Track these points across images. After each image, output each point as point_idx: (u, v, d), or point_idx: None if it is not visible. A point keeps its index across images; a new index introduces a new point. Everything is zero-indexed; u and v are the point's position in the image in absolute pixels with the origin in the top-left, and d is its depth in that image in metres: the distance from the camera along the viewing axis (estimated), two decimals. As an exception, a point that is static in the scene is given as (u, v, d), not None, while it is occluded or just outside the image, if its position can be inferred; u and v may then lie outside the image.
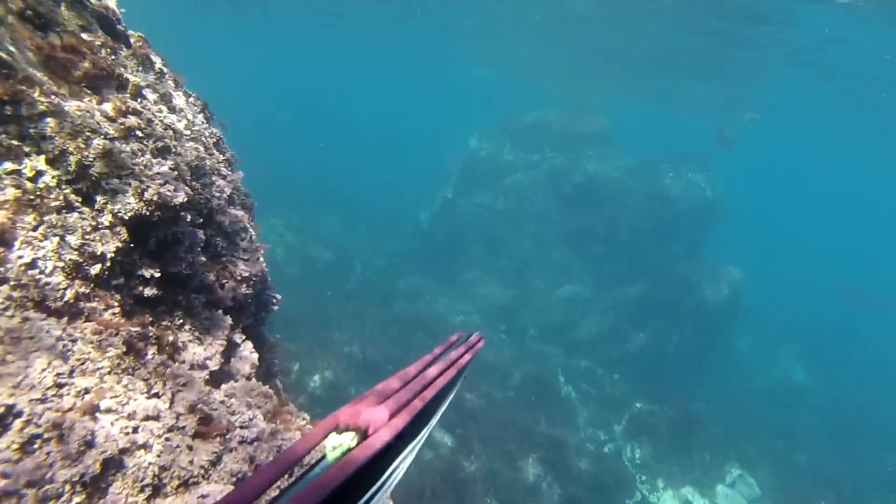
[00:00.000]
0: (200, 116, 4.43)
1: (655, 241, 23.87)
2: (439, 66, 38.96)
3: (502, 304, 23.56)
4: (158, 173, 2.96)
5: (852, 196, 69.99)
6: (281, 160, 43.11)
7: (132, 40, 3.70)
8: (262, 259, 4.30)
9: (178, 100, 3.93)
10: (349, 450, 1.94)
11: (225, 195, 4.09)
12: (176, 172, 3.12)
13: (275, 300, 4.54)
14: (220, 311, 3.53)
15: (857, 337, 34.05)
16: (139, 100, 3.32)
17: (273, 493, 1.86)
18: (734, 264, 24.24)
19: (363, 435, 2.02)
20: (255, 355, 3.61)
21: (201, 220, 3.47)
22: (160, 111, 3.49)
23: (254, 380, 3.39)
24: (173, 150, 3.25)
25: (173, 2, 34.52)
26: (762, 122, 26.32)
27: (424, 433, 2.49)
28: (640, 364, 20.39)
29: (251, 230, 4.34)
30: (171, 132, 3.39)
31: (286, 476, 2.04)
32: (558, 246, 24.88)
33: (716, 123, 30.71)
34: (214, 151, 4.27)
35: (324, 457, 1.97)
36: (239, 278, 3.84)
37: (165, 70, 4.07)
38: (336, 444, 1.96)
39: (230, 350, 3.48)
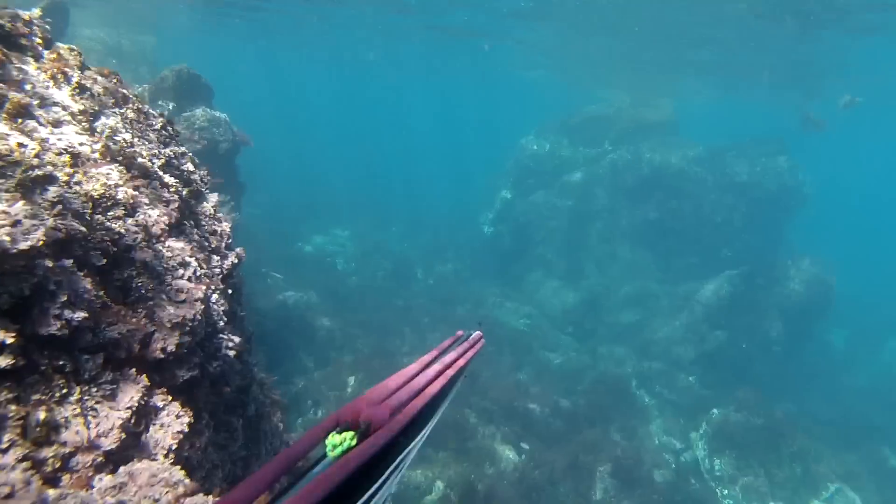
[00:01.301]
0: (153, 135, 4.12)
1: (730, 232, 22.30)
2: (490, 69, 38.40)
3: (568, 306, 22.68)
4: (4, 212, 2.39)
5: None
6: (344, 172, 44.01)
7: (48, 55, 3.40)
8: (203, 297, 3.54)
9: (108, 119, 3.58)
10: (349, 448, 1.97)
11: (159, 225, 3.49)
12: (60, 207, 2.67)
13: (230, 345, 3.78)
14: (133, 371, 2.88)
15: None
16: (21, 120, 2.93)
17: (274, 491, 1.84)
18: (823, 254, 22.29)
19: (364, 434, 2.05)
20: (183, 420, 2.96)
21: (104, 261, 2.93)
22: (53, 133, 3.06)
23: (162, 459, 2.71)
24: (60, 180, 2.80)
25: (227, 31, 35.71)
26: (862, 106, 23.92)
27: (425, 432, 2.52)
28: (718, 365, 18.99)
29: (194, 265, 3.66)
30: (64, 158, 2.95)
31: (286, 475, 1.96)
32: (625, 242, 23.74)
33: (798, 107, 28.46)
34: (158, 174, 3.83)
35: (324, 455, 1.99)
36: (168, 325, 3.15)
37: (97, 87, 3.75)
38: (336, 443, 1.99)
39: (145, 418, 2.86)
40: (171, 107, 13.38)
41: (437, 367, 2.79)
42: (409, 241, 30.02)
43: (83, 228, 2.77)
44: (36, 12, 3.69)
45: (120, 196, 3.14)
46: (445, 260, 27.41)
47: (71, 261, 2.66)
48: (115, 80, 4.13)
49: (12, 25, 3.24)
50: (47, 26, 3.79)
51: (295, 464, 1.93)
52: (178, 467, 2.65)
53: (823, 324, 23.13)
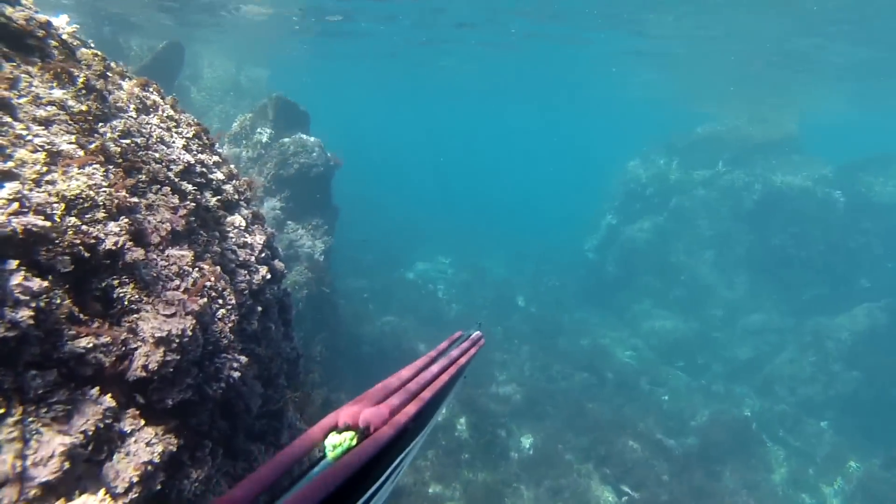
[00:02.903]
0: (179, 142, 4.06)
1: (869, 260, 19.81)
2: (593, 90, 37.43)
3: (678, 338, 21.13)
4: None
5: None
6: (447, 198, 44.57)
7: (58, 55, 3.37)
8: (199, 310, 3.19)
9: (118, 122, 3.52)
10: (349, 449, 1.97)
11: (158, 232, 3.25)
12: (16, 205, 2.44)
13: (235, 365, 3.42)
14: (96, 390, 2.52)
15: None
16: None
17: (274, 491, 1.81)
18: None
19: (363, 434, 2.05)
20: (155, 448, 2.64)
21: (71, 266, 2.61)
22: (31, 130, 2.87)
23: (102, 495, 2.31)
24: (23, 177, 2.62)
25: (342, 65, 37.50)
26: None
27: (425, 432, 2.51)
28: (854, 410, 16.71)
29: (193, 274, 3.36)
30: (39, 155, 2.75)
31: (286, 475, 1.94)
32: (742, 270, 21.85)
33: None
34: (172, 180, 3.70)
35: (324, 456, 1.99)
36: (152, 341, 2.81)
37: (121, 93, 3.72)
38: (336, 444, 1.99)
39: (108, 444, 2.53)
40: (269, 133, 14.12)
41: (436, 367, 2.77)
42: (511, 269, 29.64)
43: (45, 228, 2.52)
44: (64, 18, 3.77)
45: (101, 198, 2.88)
46: (547, 287, 26.66)
47: (16, 262, 2.37)
48: (152, 89, 4.20)
49: (23, 25, 3.24)
50: (74, 32, 3.83)
51: (295, 464, 1.94)
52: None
53: None
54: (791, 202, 20.83)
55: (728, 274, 22.10)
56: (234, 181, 4.68)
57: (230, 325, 3.54)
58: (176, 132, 4.15)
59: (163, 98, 4.29)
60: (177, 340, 2.91)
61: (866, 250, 19.82)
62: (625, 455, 14.12)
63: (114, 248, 2.81)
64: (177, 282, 3.23)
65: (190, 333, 2.97)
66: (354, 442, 2.01)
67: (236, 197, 4.63)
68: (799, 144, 22.76)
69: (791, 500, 14.10)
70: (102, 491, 2.35)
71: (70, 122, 3.13)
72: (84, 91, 3.41)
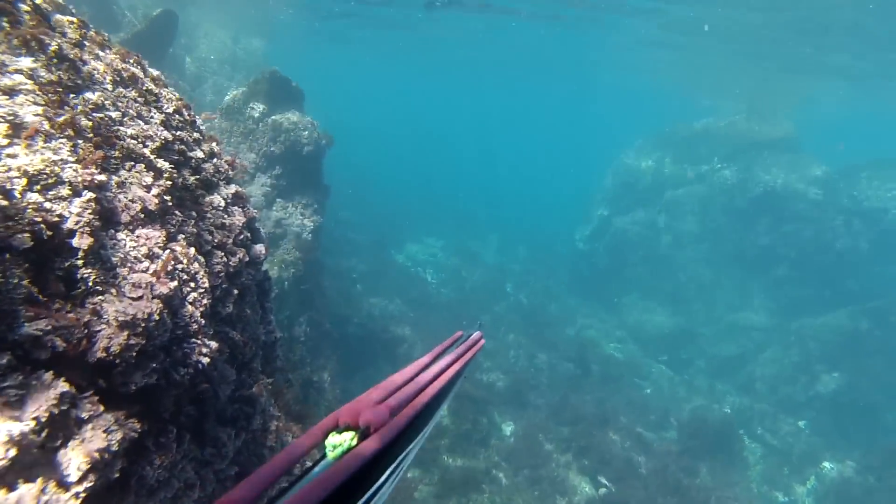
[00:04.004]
0: (157, 117, 3.89)
1: (856, 262, 19.86)
2: (587, 77, 37.17)
3: (664, 332, 21.24)
4: None
5: None
6: (440, 181, 44.34)
7: (29, 21, 3.15)
8: (168, 293, 3.04)
9: (92, 94, 3.33)
10: (349, 449, 1.95)
11: (127, 212, 3.08)
12: None
13: (204, 351, 3.30)
14: (49, 375, 2.39)
15: None
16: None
17: (274, 491, 1.79)
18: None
19: (363, 434, 2.04)
20: (112, 436, 2.53)
21: (30, 243, 2.47)
22: None
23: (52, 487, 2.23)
24: None
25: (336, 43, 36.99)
26: None
27: (425, 432, 2.49)
28: (833, 411, 16.87)
29: (164, 255, 3.19)
30: (1, 126, 2.60)
31: (286, 475, 1.93)
32: (731, 268, 21.89)
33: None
34: (147, 157, 3.50)
35: (324, 456, 1.97)
36: (116, 324, 2.68)
37: (97, 63, 3.55)
38: (336, 444, 1.97)
39: (62, 431, 2.41)
40: (262, 108, 13.89)
41: (436, 367, 2.77)
42: (502, 255, 29.60)
43: (2, 204, 2.40)
44: None
45: (67, 174, 2.74)
46: (536, 276, 26.66)
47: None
48: (132, 61, 4.03)
49: None
50: None
51: (295, 464, 1.93)
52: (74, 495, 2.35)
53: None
54: (783, 201, 20.82)
55: (717, 270, 22.15)
56: (214, 159, 4.51)
57: (201, 308, 3.42)
58: (155, 107, 3.97)
59: (144, 70, 4.12)
60: (142, 324, 2.79)
61: (854, 253, 19.87)
62: (604, 447, 14.22)
63: (75, 226, 2.67)
64: (146, 263, 3.07)
65: (157, 318, 2.85)
66: (355, 442, 2.00)
67: (217, 176, 4.48)
68: (795, 144, 22.69)
69: (765, 498, 14.28)
70: (40, 480, 2.26)
71: (38, 92, 2.94)
72: (56, 60, 3.22)
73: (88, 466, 2.44)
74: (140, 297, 2.88)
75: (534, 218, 37.38)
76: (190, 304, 3.39)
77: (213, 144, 4.67)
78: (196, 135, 4.37)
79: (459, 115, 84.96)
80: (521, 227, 34.05)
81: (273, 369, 5.24)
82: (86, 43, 3.79)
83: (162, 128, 3.89)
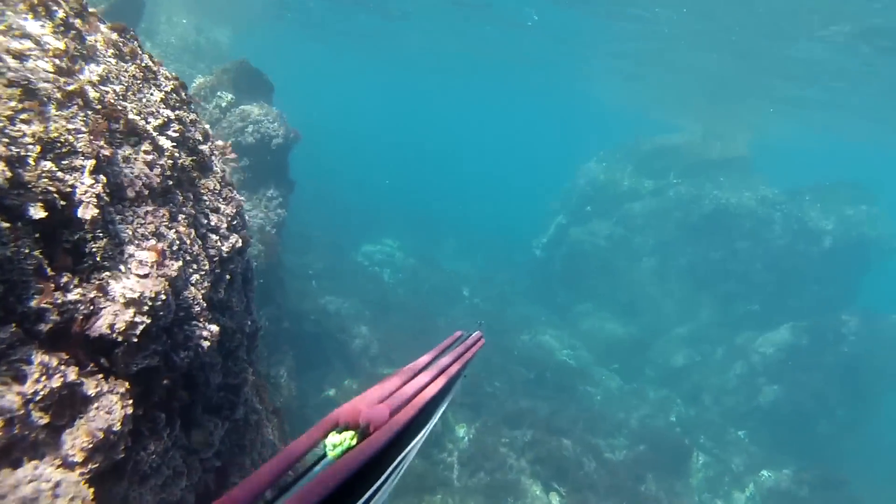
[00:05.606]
0: (157, 95, 3.76)
1: (798, 281, 20.89)
2: (553, 87, 37.81)
3: (616, 341, 21.76)
4: None
5: None
6: (399, 183, 44.16)
7: None
8: (174, 274, 2.98)
9: (98, 66, 3.20)
10: (349, 448, 1.96)
11: (133, 187, 2.98)
12: None
13: (205, 334, 3.23)
14: (37, 351, 2.30)
15: None
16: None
17: (274, 491, 1.80)
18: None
19: (363, 434, 2.04)
20: (114, 416, 2.43)
21: (43, 214, 2.39)
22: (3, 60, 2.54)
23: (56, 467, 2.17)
24: None
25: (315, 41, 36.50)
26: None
27: (425, 432, 2.52)
28: (772, 422, 17.67)
29: (171, 237, 3.15)
30: (13, 90, 2.48)
31: (286, 474, 1.92)
32: (682, 281, 22.64)
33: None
34: (150, 134, 3.37)
35: (324, 455, 1.98)
36: (122, 301, 2.62)
37: (98, 36, 3.39)
38: (336, 443, 1.97)
39: (68, 409, 2.34)
40: (229, 98, 13.57)
41: (436, 367, 2.78)
42: (459, 259, 29.70)
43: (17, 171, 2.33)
44: None
45: (80, 145, 2.65)
46: (493, 281, 26.87)
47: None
48: (129, 36, 3.89)
49: None
50: None
51: (295, 463, 1.92)
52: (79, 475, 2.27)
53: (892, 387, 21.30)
54: (734, 219, 21.70)
55: (668, 283, 22.85)
56: (209, 142, 4.41)
57: (203, 291, 3.34)
58: (154, 84, 3.85)
59: (140, 47, 3.99)
60: (149, 303, 2.72)
61: (797, 272, 20.89)
62: (557, 453, 14.43)
63: (86, 198, 2.58)
64: (152, 241, 3.00)
65: (164, 297, 2.78)
66: (355, 441, 2.00)
67: (212, 159, 4.37)
68: (749, 164, 23.69)
69: (706, 504, 14.81)
70: (79, 456, 2.18)
71: (46, 58, 2.84)
72: (63, 28, 3.09)
73: (97, 447, 2.36)
74: (147, 276, 2.79)
75: (493, 222, 37.65)
76: (192, 285, 3.30)
77: (207, 127, 4.55)
78: (192, 115, 4.26)
79: (428, 116, 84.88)
80: (480, 232, 34.25)
81: (255, 359, 5.13)
82: (85, 14, 3.65)
83: (163, 105, 3.78)
